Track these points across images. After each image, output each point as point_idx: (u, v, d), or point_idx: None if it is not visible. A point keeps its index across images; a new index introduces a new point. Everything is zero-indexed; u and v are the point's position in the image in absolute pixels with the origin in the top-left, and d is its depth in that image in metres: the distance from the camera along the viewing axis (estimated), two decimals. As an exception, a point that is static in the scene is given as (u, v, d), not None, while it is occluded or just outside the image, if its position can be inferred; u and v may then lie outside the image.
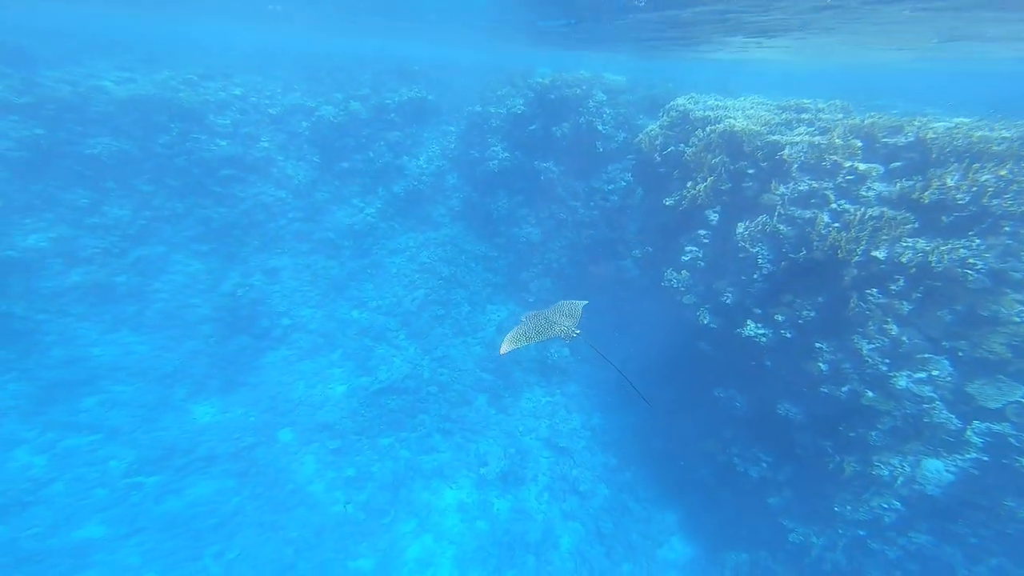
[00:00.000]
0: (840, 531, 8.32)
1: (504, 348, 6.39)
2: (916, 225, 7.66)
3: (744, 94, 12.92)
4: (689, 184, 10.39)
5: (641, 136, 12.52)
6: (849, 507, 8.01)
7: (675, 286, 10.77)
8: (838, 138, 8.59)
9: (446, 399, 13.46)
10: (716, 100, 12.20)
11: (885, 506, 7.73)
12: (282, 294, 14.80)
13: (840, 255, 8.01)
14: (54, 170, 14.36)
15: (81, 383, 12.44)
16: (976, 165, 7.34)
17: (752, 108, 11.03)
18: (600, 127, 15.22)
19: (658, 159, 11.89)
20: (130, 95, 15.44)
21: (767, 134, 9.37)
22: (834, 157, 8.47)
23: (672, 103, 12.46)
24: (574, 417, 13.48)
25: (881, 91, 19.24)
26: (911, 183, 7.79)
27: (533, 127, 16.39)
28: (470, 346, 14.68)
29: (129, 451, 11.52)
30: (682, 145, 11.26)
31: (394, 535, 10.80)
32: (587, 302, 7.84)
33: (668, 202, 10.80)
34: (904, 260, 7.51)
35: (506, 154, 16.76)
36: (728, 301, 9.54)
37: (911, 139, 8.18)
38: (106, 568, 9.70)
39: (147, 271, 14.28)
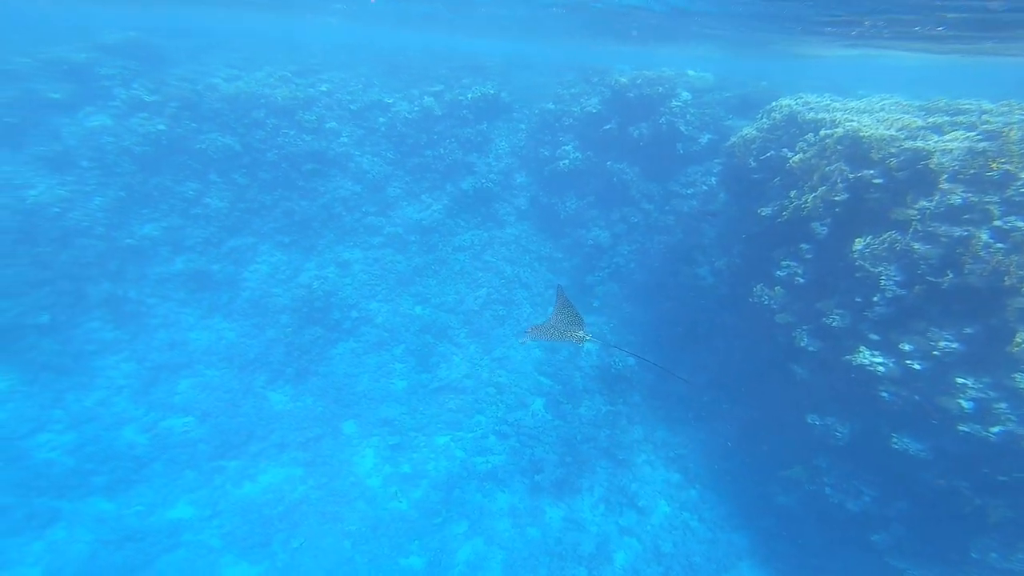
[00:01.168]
0: (977, 578, 6.86)
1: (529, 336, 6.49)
2: None
3: (862, 93, 10.39)
4: (792, 193, 8.44)
5: (734, 139, 10.56)
6: (995, 554, 6.80)
7: (766, 302, 8.94)
8: (1015, 143, 6.21)
9: (503, 401, 12.32)
10: (832, 101, 9.90)
11: (1048, 557, 6.19)
12: (353, 287, 14.17)
13: (1007, 282, 5.85)
14: (170, 164, 14.49)
15: (180, 366, 12.43)
16: None
17: (883, 110, 8.67)
18: (682, 128, 13.20)
19: (753, 164, 9.93)
20: (236, 92, 15.29)
21: (905, 139, 7.15)
22: (1006, 166, 6.15)
23: (775, 104, 10.48)
24: (636, 428, 11.90)
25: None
26: None
27: (608, 126, 14.61)
28: (530, 348, 13.42)
29: (215, 435, 11.38)
30: (785, 150, 9.29)
31: (445, 535, 9.98)
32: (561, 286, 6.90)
33: (764, 211, 8.85)
34: (1110, 297, 5.26)
35: (577, 154, 15.11)
36: (835, 324, 7.80)
37: None
38: (192, 549, 9.59)
39: (239, 260, 14.18)
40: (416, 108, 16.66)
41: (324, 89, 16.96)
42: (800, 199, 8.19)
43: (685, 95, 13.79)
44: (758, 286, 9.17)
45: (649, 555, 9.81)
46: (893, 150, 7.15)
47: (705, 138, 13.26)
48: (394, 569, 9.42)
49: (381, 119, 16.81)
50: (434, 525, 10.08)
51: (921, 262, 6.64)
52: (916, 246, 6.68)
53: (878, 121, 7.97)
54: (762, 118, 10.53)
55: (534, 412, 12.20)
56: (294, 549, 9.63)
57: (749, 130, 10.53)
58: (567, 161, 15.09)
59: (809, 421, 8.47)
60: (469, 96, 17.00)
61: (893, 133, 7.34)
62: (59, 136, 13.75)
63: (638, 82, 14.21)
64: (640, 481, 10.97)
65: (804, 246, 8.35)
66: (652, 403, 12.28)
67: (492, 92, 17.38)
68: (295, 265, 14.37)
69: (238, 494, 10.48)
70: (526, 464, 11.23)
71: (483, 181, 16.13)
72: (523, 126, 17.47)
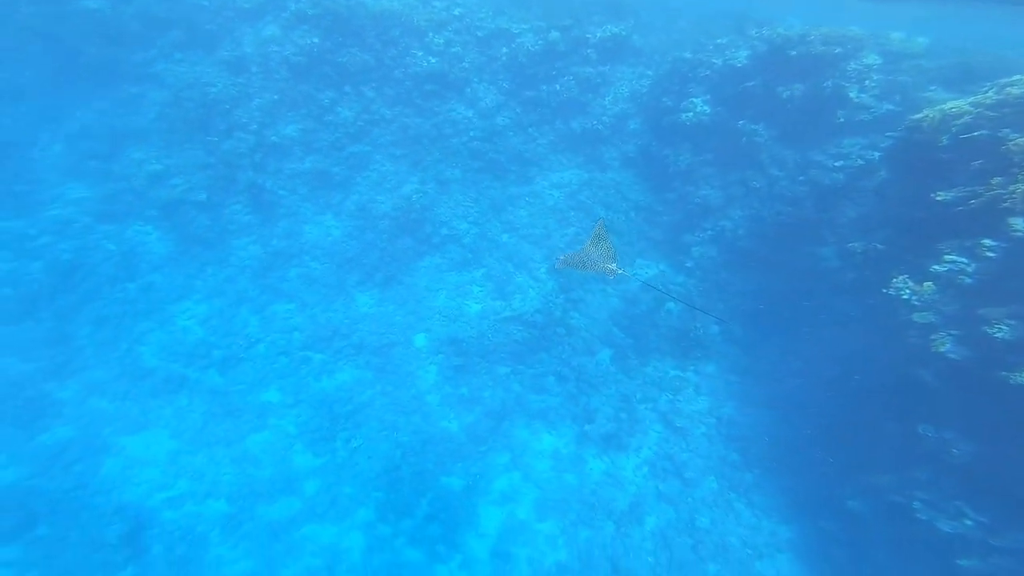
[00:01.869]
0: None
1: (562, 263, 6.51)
2: None
3: None
4: (996, 180, 6.60)
5: (928, 112, 8.41)
6: None
7: (905, 297, 7.22)
8: None
9: (570, 343, 11.68)
10: None
11: None
12: (447, 205, 13.97)
13: None
14: (315, 74, 15.02)
15: (292, 255, 12.91)
16: None
17: None
18: (853, 94, 10.74)
19: (944, 142, 7.87)
20: (380, 10, 15.21)
21: None
22: None
23: (1017, 76, 7.93)
24: (701, 399, 10.86)
25: None
26: None
27: (752, 83, 12.35)
28: (608, 296, 12.46)
29: (308, 325, 11.75)
30: (1007, 130, 7.16)
31: (487, 464, 9.92)
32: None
33: (941, 197, 7.03)
34: None
35: (706, 108, 13.12)
36: (999, 335, 6.31)
37: None
38: (274, 432, 10.05)
39: (355, 166, 14.59)
40: (540, 41, 15.50)
41: (456, 13, 16.35)
42: (1006, 188, 6.35)
43: (872, 58, 11.05)
44: (900, 277, 7.38)
45: (682, 525, 9.15)
46: None
47: (883, 108, 10.50)
48: (435, 484, 9.49)
49: (504, 49, 15.92)
50: (479, 452, 10.05)
51: None
52: None
53: None
54: (988, 91, 8.10)
55: (599, 361, 11.48)
56: (352, 449, 9.88)
57: (959, 103, 8.22)
58: (691, 114, 13.18)
59: (920, 431, 7.40)
60: (597, 35, 15.49)
61: None
62: (240, 43, 14.89)
63: (809, 38, 11.56)
64: (692, 452, 10.11)
65: (987, 242, 6.59)
66: (728, 378, 10.99)
67: (623, 33, 15.64)
68: (401, 177, 14.47)
69: (317, 387, 10.85)
70: (579, 411, 10.75)
71: (594, 122, 14.82)
72: (650, 72, 15.56)
